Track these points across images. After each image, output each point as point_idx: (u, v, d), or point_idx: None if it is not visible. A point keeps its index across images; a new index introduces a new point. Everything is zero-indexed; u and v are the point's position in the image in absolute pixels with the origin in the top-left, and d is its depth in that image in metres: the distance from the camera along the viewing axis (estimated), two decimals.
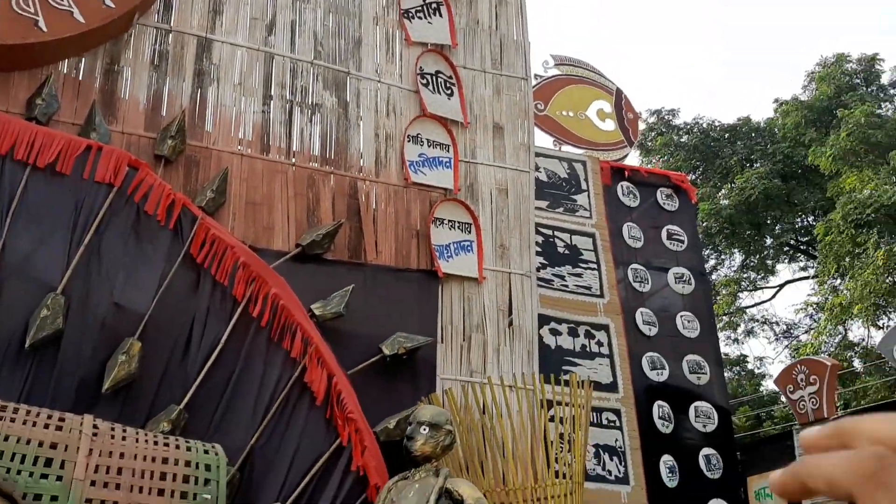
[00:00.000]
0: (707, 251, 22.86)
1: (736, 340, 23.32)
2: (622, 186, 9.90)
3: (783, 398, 8.60)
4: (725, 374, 23.44)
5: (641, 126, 23.86)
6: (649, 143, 23.45)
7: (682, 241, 9.88)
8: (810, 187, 21.01)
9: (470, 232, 5.95)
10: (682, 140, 23.47)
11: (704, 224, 20.95)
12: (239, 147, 5.66)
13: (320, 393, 4.91)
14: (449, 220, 5.92)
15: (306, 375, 4.95)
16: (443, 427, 4.15)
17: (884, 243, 16.78)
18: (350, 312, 5.31)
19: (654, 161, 23.16)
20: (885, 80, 21.21)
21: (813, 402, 8.16)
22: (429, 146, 6.12)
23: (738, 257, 23.33)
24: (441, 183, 6.06)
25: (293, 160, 5.74)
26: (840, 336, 20.22)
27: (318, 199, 5.65)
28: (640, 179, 10.09)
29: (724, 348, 23.53)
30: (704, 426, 8.83)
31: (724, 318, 23.18)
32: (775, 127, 22.22)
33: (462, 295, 5.80)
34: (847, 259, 18.02)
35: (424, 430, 4.09)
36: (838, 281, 19.40)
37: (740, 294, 23.22)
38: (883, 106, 20.57)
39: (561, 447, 5.14)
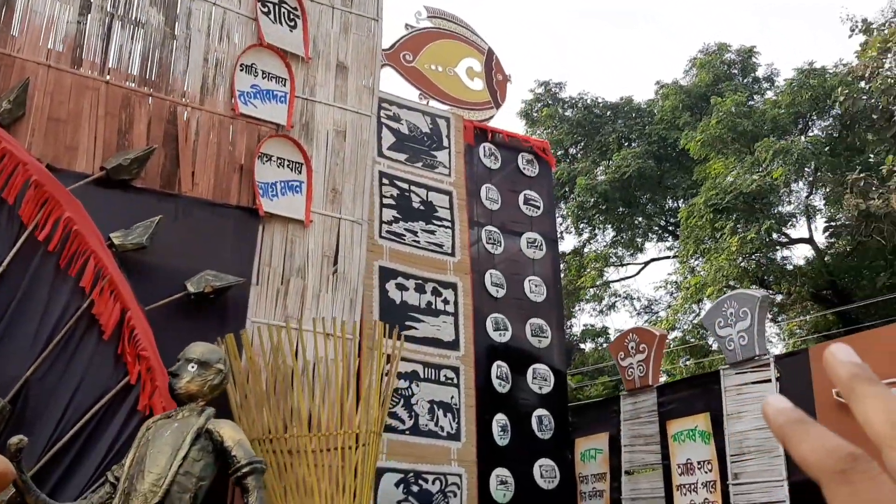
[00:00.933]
0: (582, 225, 23.48)
1: (601, 312, 24.16)
2: (484, 147, 9.85)
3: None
4: (589, 346, 24.33)
5: (529, 97, 24.14)
6: (535, 114, 23.74)
7: (539, 207, 9.96)
8: (681, 171, 21.79)
9: (300, 172, 5.71)
10: (567, 114, 23.87)
11: (580, 199, 21.43)
12: (46, 58, 5.17)
13: (109, 327, 4.59)
14: (278, 158, 5.65)
15: (95, 307, 4.62)
16: (213, 365, 3.94)
17: (740, 229, 17.59)
18: (156, 245, 4.99)
19: (539, 132, 23.44)
20: (760, 73, 22.13)
21: (640, 370, 8.45)
22: (263, 78, 5.80)
23: (609, 233, 24.04)
24: (273, 118, 5.76)
25: (107, 77, 5.30)
26: (694, 314, 21.19)
27: (132, 122, 5.25)
28: (503, 142, 10.08)
29: (589, 320, 24.34)
30: (540, 388, 9.00)
31: (591, 290, 23.96)
32: (655, 108, 22.86)
33: (285, 237, 5.57)
34: (706, 242, 18.85)
35: (192, 367, 3.87)
36: (697, 262, 20.28)
37: (607, 269, 23.98)
38: (754, 98, 21.47)
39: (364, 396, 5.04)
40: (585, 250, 24.19)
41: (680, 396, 8.06)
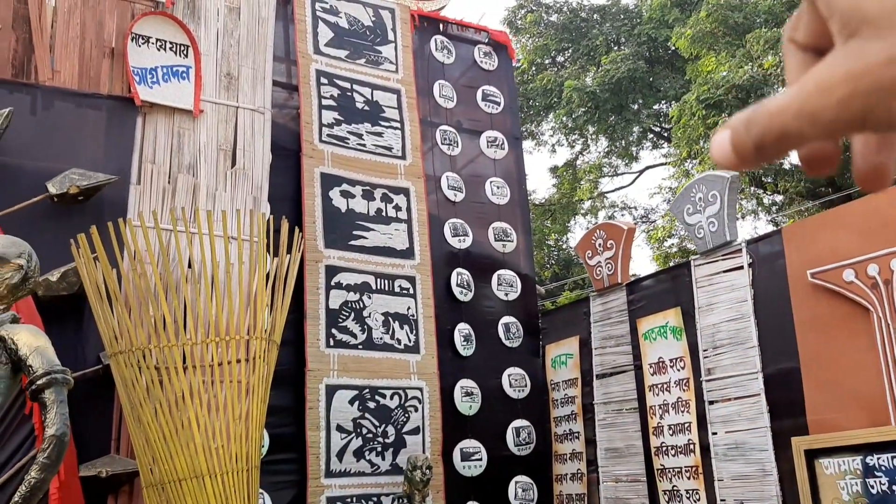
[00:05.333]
0: (573, 137, 22.70)
1: None
2: (436, 40, 9.06)
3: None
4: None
5: (512, 3, 22.99)
6: (519, 22, 22.73)
7: (499, 104, 9.21)
8: (673, 73, 20.86)
9: (186, 55, 5.00)
10: (552, 19, 22.83)
11: (569, 105, 20.56)
12: None
13: None
14: (158, 40, 4.94)
15: None
16: (10, 261, 3.32)
17: None
18: (10, 142, 4.35)
19: (524, 40, 22.46)
20: None
21: (609, 268, 7.84)
22: None
23: (603, 143, 23.25)
24: None
25: None
26: None
27: None
28: (456, 34, 9.26)
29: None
30: (507, 294, 8.45)
31: (586, 203, 23.27)
32: (643, 8, 21.77)
33: (171, 129, 4.91)
34: (700, 143, 18.03)
35: None
36: (691, 165, 19.53)
37: (601, 180, 23.28)
38: None
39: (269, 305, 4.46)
40: (578, 163, 23.43)
41: (650, 292, 7.47)
